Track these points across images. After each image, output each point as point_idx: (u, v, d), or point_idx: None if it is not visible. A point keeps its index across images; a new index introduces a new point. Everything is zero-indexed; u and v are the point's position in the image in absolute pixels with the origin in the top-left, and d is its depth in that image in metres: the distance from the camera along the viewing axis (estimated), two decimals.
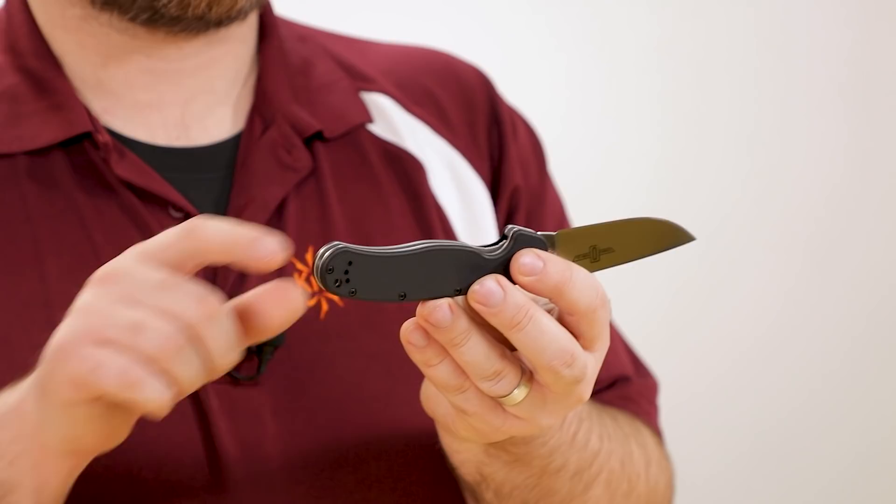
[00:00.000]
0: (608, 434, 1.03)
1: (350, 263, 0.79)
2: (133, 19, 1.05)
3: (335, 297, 1.04)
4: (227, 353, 0.79)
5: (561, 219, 1.20)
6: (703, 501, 2.21)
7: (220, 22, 1.05)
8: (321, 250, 0.79)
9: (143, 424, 0.90)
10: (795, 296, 2.25)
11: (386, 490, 1.04)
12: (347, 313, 1.05)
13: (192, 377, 0.79)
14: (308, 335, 1.03)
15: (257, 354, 1.01)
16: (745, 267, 2.24)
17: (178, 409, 0.95)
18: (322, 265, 0.79)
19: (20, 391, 0.85)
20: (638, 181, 2.19)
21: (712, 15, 2.21)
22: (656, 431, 1.15)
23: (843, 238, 2.25)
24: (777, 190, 2.24)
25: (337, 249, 0.79)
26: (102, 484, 0.97)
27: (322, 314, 1.04)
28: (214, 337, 0.78)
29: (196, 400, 1.00)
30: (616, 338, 1.19)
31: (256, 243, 0.77)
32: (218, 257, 0.80)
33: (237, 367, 0.99)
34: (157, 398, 0.78)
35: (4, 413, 0.86)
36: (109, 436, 0.83)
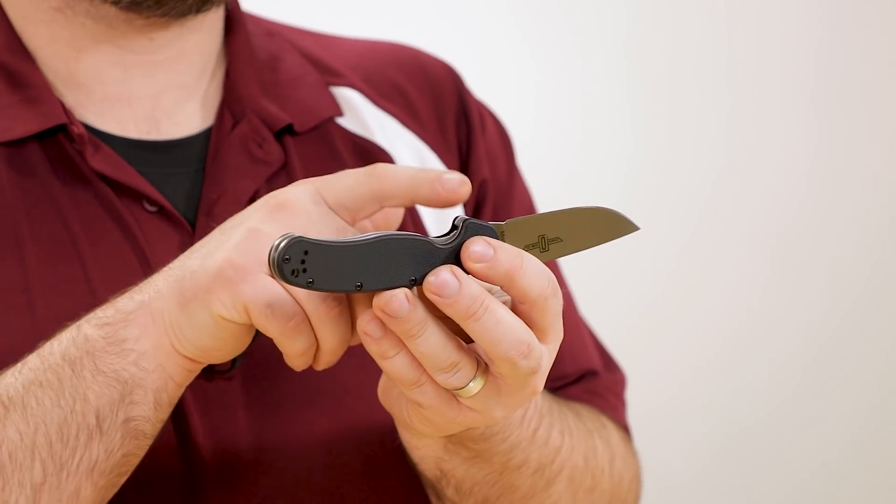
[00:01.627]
0: (570, 430, 1.02)
1: (306, 253, 0.78)
2: (116, 3, 1.04)
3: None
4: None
5: (529, 212, 1.19)
6: (680, 501, 2.21)
7: (202, 5, 1.05)
8: (276, 241, 0.79)
9: None
10: (770, 295, 2.26)
11: (359, 482, 1.04)
12: None
13: (334, 346, 0.86)
14: None
15: None
16: (718, 268, 2.24)
17: None
18: (278, 255, 0.78)
19: (150, 290, 0.88)
20: (611, 182, 2.19)
21: (685, 15, 2.21)
22: (623, 426, 1.15)
23: (815, 239, 2.27)
24: (749, 191, 2.25)
25: (292, 239, 0.78)
26: None
27: None
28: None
29: None
30: (584, 332, 1.19)
31: (441, 180, 0.83)
32: (400, 201, 0.84)
33: None
34: (299, 353, 0.86)
35: (133, 309, 0.88)
36: (233, 353, 0.88)
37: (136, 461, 0.91)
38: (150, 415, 0.89)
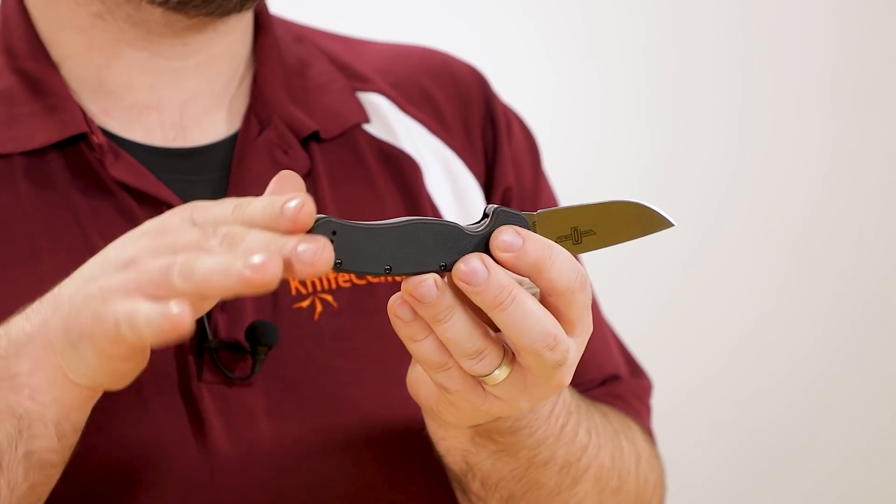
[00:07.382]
0: (597, 429, 1.02)
1: (334, 233, 0.79)
2: (163, 4, 1.04)
3: (328, 298, 1.04)
4: (260, 253, 0.75)
5: None
6: (696, 502, 2.20)
7: (244, 3, 1.05)
8: None
9: (138, 423, 0.92)
10: (785, 295, 2.26)
11: (380, 487, 1.04)
12: (341, 314, 1.05)
13: (213, 270, 0.76)
14: (302, 336, 1.03)
15: (251, 355, 1.02)
16: (735, 266, 2.24)
17: (172, 408, 0.98)
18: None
19: (37, 320, 0.85)
20: (627, 181, 2.20)
21: (701, 14, 2.22)
22: (647, 430, 1.14)
23: (832, 237, 2.27)
24: (766, 189, 2.25)
25: (319, 218, 0.79)
26: (97, 481, 0.98)
27: (316, 315, 1.04)
28: (247, 237, 0.77)
29: (190, 399, 1.00)
30: (610, 336, 1.18)
31: (285, 216, 0.77)
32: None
33: (231, 368, 1.00)
34: (187, 326, 0.76)
35: (25, 342, 0.85)
36: (130, 377, 0.83)
37: (46, 490, 0.90)
38: (53, 445, 0.87)
